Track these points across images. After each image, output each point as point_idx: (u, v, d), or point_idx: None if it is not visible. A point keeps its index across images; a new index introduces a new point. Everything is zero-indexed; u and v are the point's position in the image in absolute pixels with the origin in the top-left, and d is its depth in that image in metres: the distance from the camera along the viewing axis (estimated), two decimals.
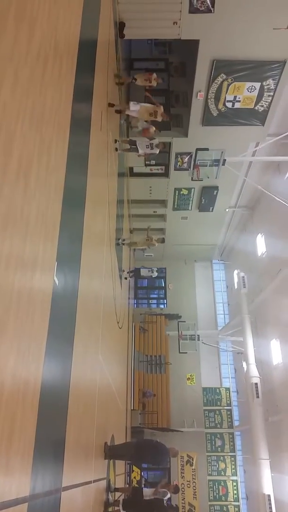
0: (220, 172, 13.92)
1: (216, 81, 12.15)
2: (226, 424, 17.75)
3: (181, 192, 16.89)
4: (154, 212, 18.58)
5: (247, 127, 13.47)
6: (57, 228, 3.40)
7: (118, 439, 9.33)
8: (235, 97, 12.61)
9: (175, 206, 17.66)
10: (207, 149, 13.66)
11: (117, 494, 8.40)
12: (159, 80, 10.48)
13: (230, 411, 18.08)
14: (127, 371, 15.69)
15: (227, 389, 18.86)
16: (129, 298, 17.78)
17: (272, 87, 12.21)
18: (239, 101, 12.73)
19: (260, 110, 12.93)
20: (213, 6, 10.24)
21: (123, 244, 12.63)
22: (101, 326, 6.93)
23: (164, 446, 8.00)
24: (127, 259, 16.57)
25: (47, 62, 3.10)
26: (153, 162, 15.40)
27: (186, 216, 18.37)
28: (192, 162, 14.46)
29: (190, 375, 20.24)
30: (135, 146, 10.14)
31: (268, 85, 12.17)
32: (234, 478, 16.68)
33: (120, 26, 10.46)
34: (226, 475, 16.75)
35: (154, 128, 10.08)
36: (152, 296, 24.12)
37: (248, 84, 12.21)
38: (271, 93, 12.40)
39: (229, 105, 12.84)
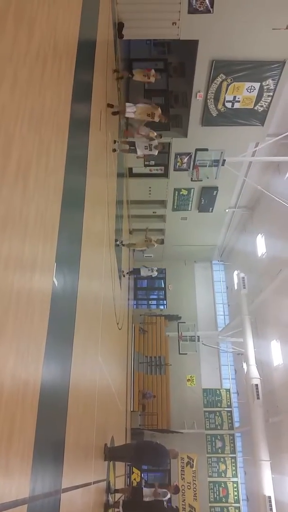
0: (219, 172, 13.91)
1: (215, 81, 12.15)
2: (227, 426, 17.74)
3: (181, 193, 16.89)
4: (153, 212, 18.58)
5: (247, 127, 13.48)
6: (56, 229, 3.40)
7: (118, 440, 9.31)
8: (234, 97, 12.62)
9: (175, 207, 17.66)
10: (206, 150, 13.65)
11: (117, 495, 8.38)
12: (157, 76, 10.43)
13: (231, 413, 18.07)
14: (127, 372, 15.67)
15: (227, 390, 18.86)
16: (128, 299, 17.77)
17: (272, 87, 12.21)
18: (238, 101, 12.74)
19: (259, 110, 12.94)
20: (212, 7, 10.24)
21: (122, 245, 12.63)
22: (101, 327, 6.92)
23: (164, 447, 7.98)
24: (127, 260, 16.56)
25: (46, 63, 3.10)
26: (152, 162, 15.41)
27: (185, 216, 18.36)
28: (192, 163, 14.46)
29: (190, 376, 20.23)
30: (133, 147, 10.13)
31: (267, 85, 12.17)
32: (235, 479, 16.67)
33: (119, 26, 10.46)
34: (227, 476, 16.74)
35: (155, 133, 10.05)
36: (151, 297, 24.11)
37: (248, 84, 12.21)
38: (271, 93, 12.40)
39: (228, 105, 12.84)
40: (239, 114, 13.12)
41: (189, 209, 17.70)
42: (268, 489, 13.05)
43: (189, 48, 12.16)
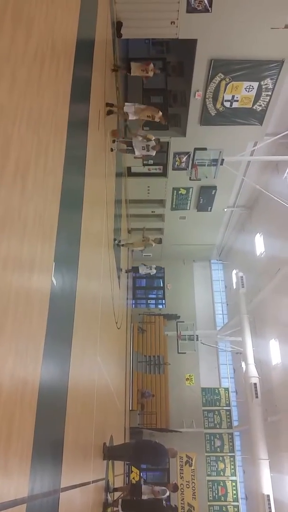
0: (218, 171, 13.92)
1: (214, 81, 12.15)
2: (225, 424, 17.75)
3: (179, 192, 16.89)
4: (152, 212, 18.58)
5: (245, 127, 13.48)
6: (55, 229, 3.40)
7: (116, 439, 9.33)
8: (233, 96, 12.62)
9: (173, 206, 17.66)
10: (205, 149, 13.65)
11: (116, 494, 8.39)
12: (156, 71, 10.35)
13: (229, 411, 18.09)
14: (126, 372, 15.68)
15: (226, 389, 18.87)
16: (127, 298, 17.77)
17: (270, 86, 12.22)
18: (237, 101, 12.74)
19: (258, 110, 12.94)
20: (210, 6, 10.24)
21: (120, 245, 12.61)
22: (99, 326, 6.92)
23: (163, 446, 8.00)
24: (125, 259, 16.56)
25: (44, 63, 3.09)
26: (151, 162, 15.40)
27: (184, 216, 18.37)
28: (190, 162, 14.45)
29: (189, 375, 20.25)
30: (131, 148, 10.10)
31: (266, 84, 12.18)
32: (233, 478, 16.69)
33: (118, 26, 10.44)
34: (225, 475, 16.75)
35: (153, 137, 10.01)
36: (150, 296, 24.11)
37: (246, 83, 12.21)
38: (269, 93, 12.41)
39: (227, 104, 12.84)
40: (237, 114, 13.12)
41: (188, 208, 17.70)
42: (266, 488, 13.10)
43: (187, 47, 12.16)
